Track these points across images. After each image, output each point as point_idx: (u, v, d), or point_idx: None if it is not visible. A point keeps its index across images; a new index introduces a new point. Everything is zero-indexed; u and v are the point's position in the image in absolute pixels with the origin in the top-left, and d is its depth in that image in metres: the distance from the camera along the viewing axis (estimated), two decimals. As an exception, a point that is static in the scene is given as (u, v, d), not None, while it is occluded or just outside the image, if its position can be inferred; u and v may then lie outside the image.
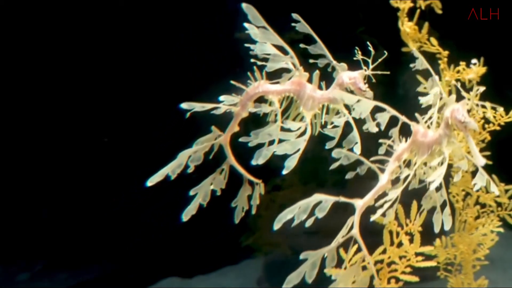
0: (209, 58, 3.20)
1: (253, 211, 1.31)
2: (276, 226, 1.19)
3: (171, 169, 1.24)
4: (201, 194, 1.29)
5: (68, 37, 3.11)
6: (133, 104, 3.22)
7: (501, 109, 1.23)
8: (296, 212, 1.21)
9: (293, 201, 3.36)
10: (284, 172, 1.25)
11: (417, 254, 1.49)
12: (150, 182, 1.24)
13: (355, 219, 1.22)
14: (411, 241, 1.48)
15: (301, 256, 1.22)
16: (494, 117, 1.62)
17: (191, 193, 1.29)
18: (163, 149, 3.33)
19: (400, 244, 1.49)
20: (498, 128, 1.64)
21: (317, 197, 1.19)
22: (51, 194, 3.23)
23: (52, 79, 3.15)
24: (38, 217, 3.24)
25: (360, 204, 1.22)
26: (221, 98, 1.25)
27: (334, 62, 1.27)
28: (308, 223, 1.21)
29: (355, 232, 1.22)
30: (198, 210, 3.54)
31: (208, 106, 1.22)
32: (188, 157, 1.25)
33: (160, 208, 3.26)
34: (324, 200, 1.19)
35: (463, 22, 2.61)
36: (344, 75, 1.27)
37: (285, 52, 1.25)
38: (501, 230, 1.73)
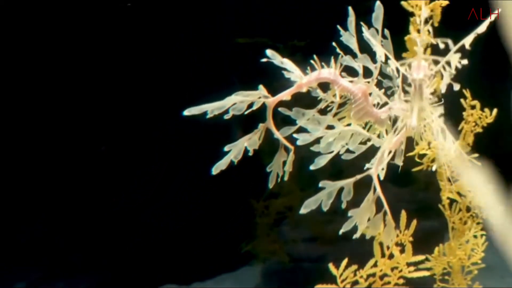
0: (208, 59, 3.20)
1: (286, 178, 1.28)
2: (321, 150, 1.21)
3: (211, 108, 1.20)
4: (234, 151, 1.24)
5: (68, 39, 3.12)
6: (133, 104, 3.22)
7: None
8: (337, 138, 1.23)
9: (291, 208, 3.36)
10: (312, 167, 1.25)
11: (409, 264, 1.48)
12: (187, 112, 1.21)
13: (377, 156, 1.23)
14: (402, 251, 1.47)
15: (320, 184, 1.22)
16: (480, 118, 1.63)
17: (226, 149, 1.24)
18: (163, 149, 3.36)
19: (391, 256, 1.48)
20: (481, 130, 1.64)
21: (354, 128, 1.22)
22: (48, 201, 3.23)
23: (50, 79, 3.16)
24: (35, 224, 3.23)
25: (385, 146, 1.23)
26: (268, 52, 1.21)
27: (398, 89, 1.28)
28: (345, 157, 1.24)
29: (373, 171, 1.22)
30: (196, 218, 3.54)
31: (287, 64, 1.21)
32: (233, 104, 1.22)
33: (157, 217, 3.26)
34: (358, 133, 1.23)
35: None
36: (399, 104, 1.28)
37: (373, 60, 1.24)
38: (483, 232, 1.73)
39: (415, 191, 2.90)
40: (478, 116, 1.63)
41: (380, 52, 1.20)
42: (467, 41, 1.16)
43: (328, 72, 1.23)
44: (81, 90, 3.18)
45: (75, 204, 3.24)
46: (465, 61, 1.16)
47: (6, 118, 3.15)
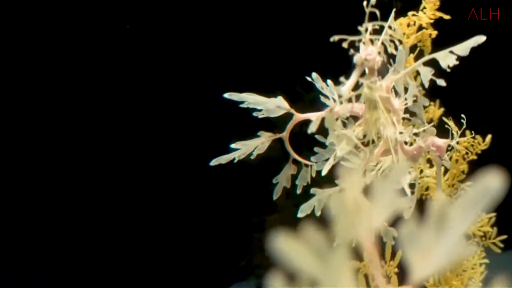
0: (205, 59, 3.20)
1: (299, 191, 1.28)
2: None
3: (250, 99, 1.19)
4: (241, 151, 1.23)
5: (67, 39, 3.13)
6: (132, 103, 3.22)
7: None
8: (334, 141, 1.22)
9: (285, 224, 3.33)
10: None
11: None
12: (228, 95, 1.19)
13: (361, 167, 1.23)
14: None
15: (311, 191, 1.24)
16: (472, 145, 1.59)
17: (234, 146, 1.23)
18: (160, 148, 3.36)
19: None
20: (475, 157, 1.61)
21: (347, 132, 1.22)
22: (46, 203, 3.24)
23: (49, 78, 3.17)
24: (33, 227, 3.24)
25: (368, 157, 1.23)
26: (314, 75, 1.20)
27: (427, 125, 1.28)
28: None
29: None
30: (190, 234, 3.50)
31: (327, 89, 1.19)
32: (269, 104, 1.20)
33: (147, 233, 3.24)
34: (350, 138, 1.22)
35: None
36: (430, 139, 1.28)
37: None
38: (487, 261, 1.70)
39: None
40: (470, 143, 1.59)
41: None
42: (440, 57, 1.13)
43: (361, 107, 1.22)
44: (81, 89, 3.18)
45: (74, 203, 3.24)
46: (442, 82, 1.15)
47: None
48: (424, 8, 1.41)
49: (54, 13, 3.09)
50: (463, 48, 1.09)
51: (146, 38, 3.18)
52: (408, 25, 1.38)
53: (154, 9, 3.14)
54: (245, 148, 1.24)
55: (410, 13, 1.40)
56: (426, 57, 1.14)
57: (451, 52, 1.10)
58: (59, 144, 3.21)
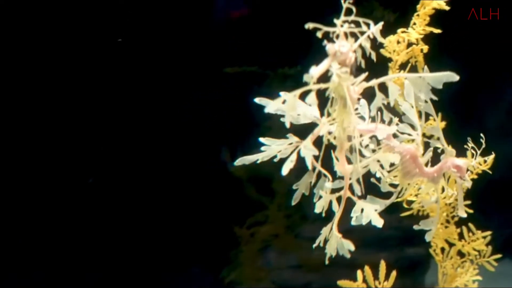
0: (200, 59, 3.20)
1: (315, 199, 1.28)
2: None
3: (275, 105, 1.17)
4: (264, 153, 1.24)
5: (67, 38, 3.14)
6: (132, 103, 3.23)
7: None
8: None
9: (276, 236, 3.36)
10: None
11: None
12: (258, 100, 1.20)
13: (346, 183, 1.25)
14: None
15: (319, 193, 1.26)
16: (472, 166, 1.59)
17: (263, 140, 1.24)
18: (160, 149, 3.37)
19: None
20: (475, 176, 1.61)
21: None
22: (46, 203, 3.25)
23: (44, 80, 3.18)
24: (33, 227, 3.26)
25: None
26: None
27: (445, 146, 1.28)
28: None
29: (342, 193, 1.24)
30: (180, 244, 3.51)
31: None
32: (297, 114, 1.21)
33: (149, 232, 3.25)
34: None
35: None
36: (450, 161, 1.29)
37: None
38: (480, 278, 1.70)
39: (402, 217, 2.88)
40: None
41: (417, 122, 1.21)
42: (411, 79, 1.13)
43: (383, 128, 1.23)
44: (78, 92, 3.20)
45: (73, 203, 3.26)
46: (407, 106, 1.14)
47: None
48: (414, 24, 1.40)
49: (55, 13, 3.09)
50: (436, 79, 1.09)
51: (146, 38, 3.18)
52: (398, 42, 1.37)
53: (154, 9, 3.14)
54: (268, 153, 1.24)
55: (399, 30, 1.39)
56: (396, 75, 1.14)
57: (422, 78, 1.09)
58: (59, 144, 3.22)
